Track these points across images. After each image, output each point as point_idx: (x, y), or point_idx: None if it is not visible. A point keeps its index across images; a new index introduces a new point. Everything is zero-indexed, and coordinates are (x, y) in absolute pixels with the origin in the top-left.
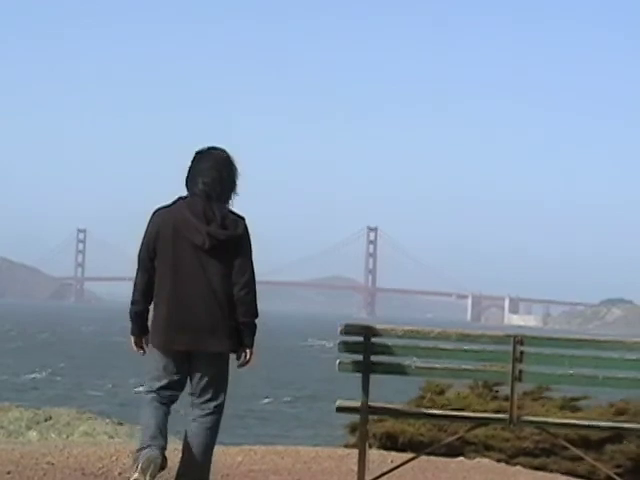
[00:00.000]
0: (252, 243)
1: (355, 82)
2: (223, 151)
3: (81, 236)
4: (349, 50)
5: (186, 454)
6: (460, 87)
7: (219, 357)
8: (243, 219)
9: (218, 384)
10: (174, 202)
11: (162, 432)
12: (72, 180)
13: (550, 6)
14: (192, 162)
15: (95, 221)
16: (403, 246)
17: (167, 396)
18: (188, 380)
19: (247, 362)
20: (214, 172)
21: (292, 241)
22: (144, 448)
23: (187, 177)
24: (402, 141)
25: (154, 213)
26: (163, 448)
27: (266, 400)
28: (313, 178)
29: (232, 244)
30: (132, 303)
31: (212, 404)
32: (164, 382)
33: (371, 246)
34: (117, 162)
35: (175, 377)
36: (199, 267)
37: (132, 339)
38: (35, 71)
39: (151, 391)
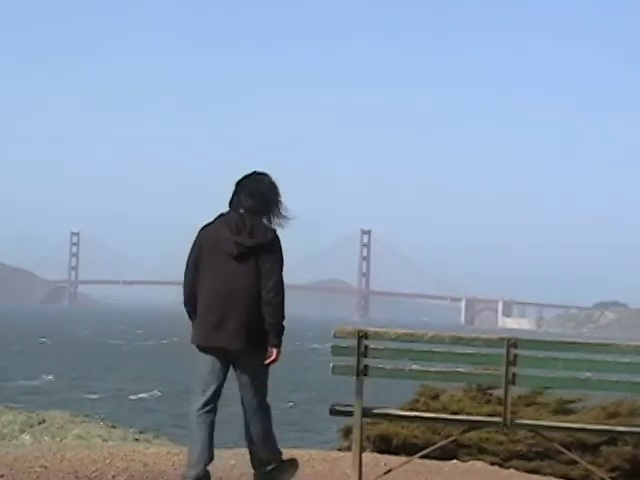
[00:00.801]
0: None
1: (346, 80)
2: (262, 174)
3: (75, 239)
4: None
5: (251, 447)
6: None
7: (251, 355)
8: (273, 230)
9: (255, 380)
10: (216, 218)
11: (206, 450)
12: (66, 183)
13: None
14: (235, 184)
15: (89, 224)
16: (397, 249)
17: (210, 407)
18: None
19: (273, 360)
20: (250, 189)
21: (285, 244)
22: (187, 478)
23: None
24: (395, 142)
25: (201, 228)
26: (206, 464)
27: (290, 404)
28: (306, 181)
29: (260, 251)
30: (184, 304)
31: (254, 400)
32: (207, 395)
33: (365, 249)
34: (112, 165)
35: (215, 379)
36: (229, 272)
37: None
38: (30, 71)
39: (196, 408)
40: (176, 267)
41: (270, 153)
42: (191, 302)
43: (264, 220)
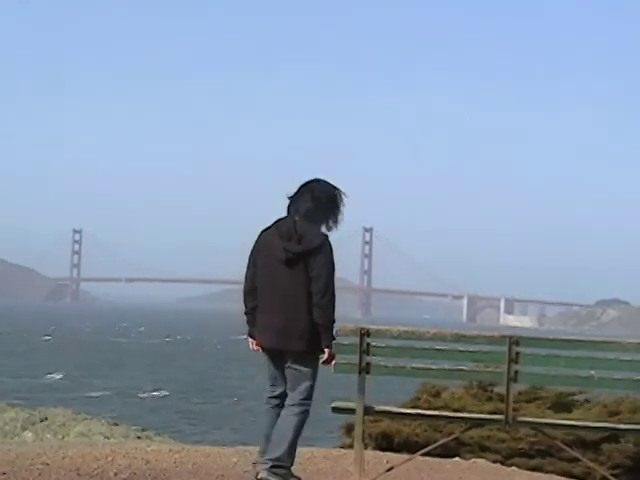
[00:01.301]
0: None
1: (351, 77)
2: (320, 181)
3: (77, 237)
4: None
5: (272, 437)
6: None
7: (300, 355)
8: (325, 236)
9: (301, 379)
10: (274, 222)
11: (268, 440)
12: (68, 180)
13: None
14: (296, 191)
15: (91, 221)
16: (399, 247)
17: (276, 402)
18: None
19: (327, 361)
20: (305, 196)
21: None
22: (255, 464)
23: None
24: (396, 140)
25: (260, 232)
26: (263, 451)
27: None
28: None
29: (308, 256)
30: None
31: (297, 396)
32: (272, 390)
33: (366, 247)
34: (114, 162)
35: (277, 377)
36: (280, 277)
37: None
38: (34, 72)
39: (267, 401)
40: (176, 264)
41: (272, 148)
42: (247, 302)
43: (319, 226)
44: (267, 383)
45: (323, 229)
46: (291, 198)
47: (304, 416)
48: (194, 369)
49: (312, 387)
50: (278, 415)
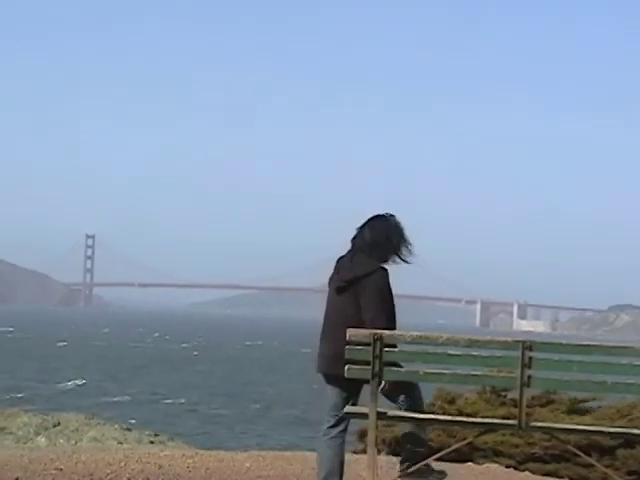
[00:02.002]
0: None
1: (358, 87)
2: (383, 216)
3: (90, 242)
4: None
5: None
6: (468, 87)
7: (349, 382)
8: (377, 265)
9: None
10: (338, 259)
11: (336, 472)
12: (81, 186)
13: None
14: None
15: (104, 227)
16: (412, 251)
17: (336, 432)
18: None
19: (382, 387)
20: (366, 230)
21: (299, 246)
22: None
23: None
24: (407, 147)
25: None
26: None
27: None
28: (320, 184)
29: (358, 284)
30: None
31: (341, 418)
32: (330, 421)
33: None
34: (126, 168)
35: (334, 406)
36: (333, 305)
37: None
38: (47, 76)
39: (324, 432)
40: (189, 270)
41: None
42: None
43: (378, 259)
44: (326, 413)
45: (390, 262)
46: (358, 232)
47: (344, 433)
48: (212, 374)
49: (413, 400)
50: (339, 445)
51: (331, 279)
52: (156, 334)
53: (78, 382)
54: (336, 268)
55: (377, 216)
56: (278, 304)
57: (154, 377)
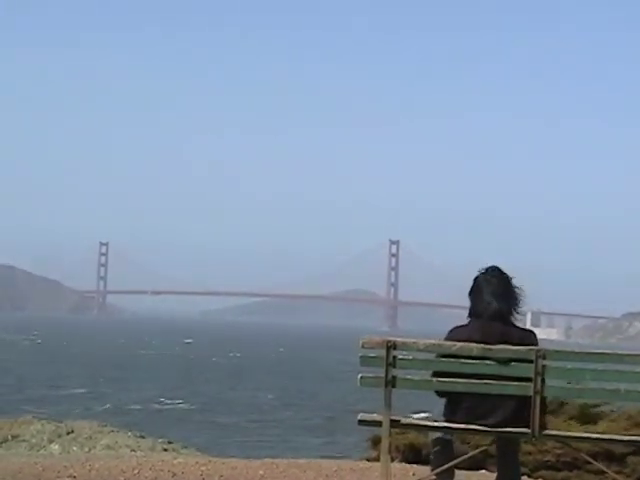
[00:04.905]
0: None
1: (366, 95)
2: (493, 272)
3: (103, 249)
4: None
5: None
6: (477, 102)
7: None
8: (529, 332)
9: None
10: None
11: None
12: (95, 193)
13: None
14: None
15: (117, 234)
16: (425, 259)
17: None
18: None
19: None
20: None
21: (313, 254)
22: None
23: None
24: (424, 154)
25: None
26: None
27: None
28: (335, 191)
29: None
30: None
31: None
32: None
33: (393, 259)
34: (141, 176)
35: None
36: None
37: None
38: (58, 84)
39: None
40: (202, 277)
41: (297, 164)
42: None
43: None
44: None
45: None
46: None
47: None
48: (230, 384)
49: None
50: (451, 449)
51: None
52: (179, 343)
53: (87, 389)
54: None
55: (495, 272)
56: (292, 312)
57: (166, 383)
